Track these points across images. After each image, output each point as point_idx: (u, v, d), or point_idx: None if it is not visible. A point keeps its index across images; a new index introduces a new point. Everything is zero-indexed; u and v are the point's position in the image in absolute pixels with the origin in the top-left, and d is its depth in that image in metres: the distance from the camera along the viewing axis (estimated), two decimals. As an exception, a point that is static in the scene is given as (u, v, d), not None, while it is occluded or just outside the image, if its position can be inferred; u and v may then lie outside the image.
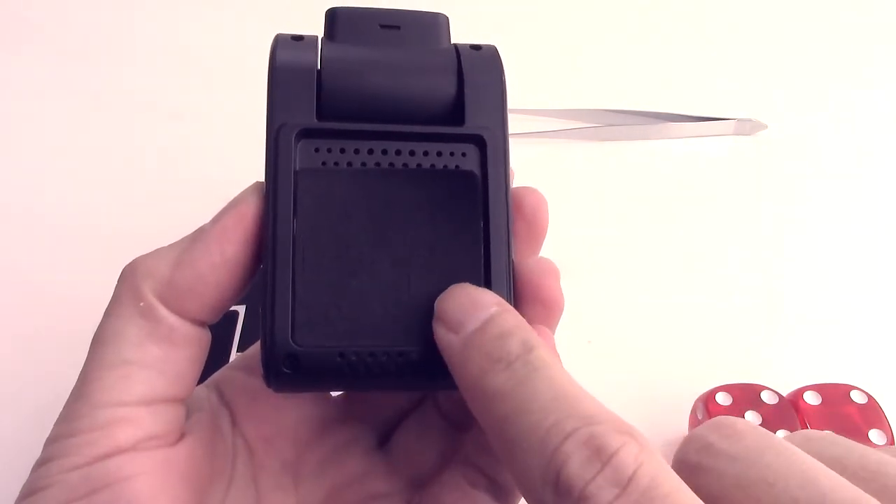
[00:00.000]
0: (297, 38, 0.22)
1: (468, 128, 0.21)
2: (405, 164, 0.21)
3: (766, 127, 0.54)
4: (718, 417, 0.18)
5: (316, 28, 0.23)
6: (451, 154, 0.21)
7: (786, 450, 0.17)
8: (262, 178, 0.21)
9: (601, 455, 0.15)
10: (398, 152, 0.21)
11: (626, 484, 0.15)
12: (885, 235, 0.48)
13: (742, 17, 0.64)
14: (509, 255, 0.21)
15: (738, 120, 0.54)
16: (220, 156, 0.51)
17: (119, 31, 0.61)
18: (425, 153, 0.21)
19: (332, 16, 0.22)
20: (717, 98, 0.56)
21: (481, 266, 0.20)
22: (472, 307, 0.19)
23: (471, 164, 0.21)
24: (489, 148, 0.21)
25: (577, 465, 0.15)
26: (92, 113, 0.54)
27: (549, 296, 0.20)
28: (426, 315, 0.20)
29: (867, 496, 0.15)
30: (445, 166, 0.21)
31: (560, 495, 0.15)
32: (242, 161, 0.50)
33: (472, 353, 0.18)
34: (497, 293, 0.20)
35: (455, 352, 0.19)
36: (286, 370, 0.20)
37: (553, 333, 0.21)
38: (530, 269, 0.21)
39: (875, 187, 0.51)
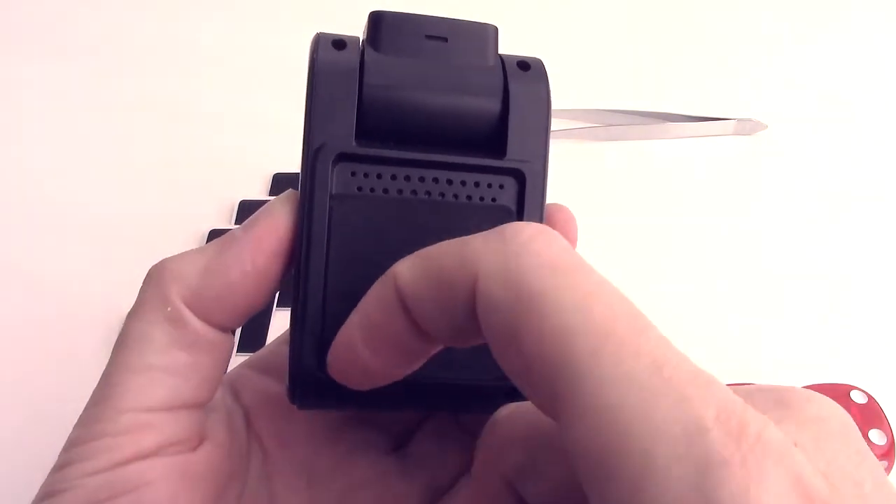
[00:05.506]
0: (339, 46, 0.21)
1: (509, 161, 0.21)
2: (442, 194, 0.21)
3: (766, 127, 0.54)
4: None
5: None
6: (489, 186, 0.21)
7: None
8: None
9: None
10: (435, 180, 0.21)
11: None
12: (884, 235, 0.48)
13: (742, 17, 0.65)
14: None
15: (738, 120, 0.54)
16: (225, 156, 0.51)
17: (121, 31, 0.60)
18: (463, 183, 0.21)
19: (377, 20, 0.21)
20: (717, 98, 0.56)
21: None
22: None
23: (508, 197, 0.21)
24: (528, 183, 0.21)
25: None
26: (97, 113, 0.54)
27: None
28: None
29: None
30: (482, 198, 0.21)
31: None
32: (248, 161, 0.50)
33: None
34: None
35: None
36: (312, 391, 0.20)
37: None
38: None
39: (874, 187, 0.52)
